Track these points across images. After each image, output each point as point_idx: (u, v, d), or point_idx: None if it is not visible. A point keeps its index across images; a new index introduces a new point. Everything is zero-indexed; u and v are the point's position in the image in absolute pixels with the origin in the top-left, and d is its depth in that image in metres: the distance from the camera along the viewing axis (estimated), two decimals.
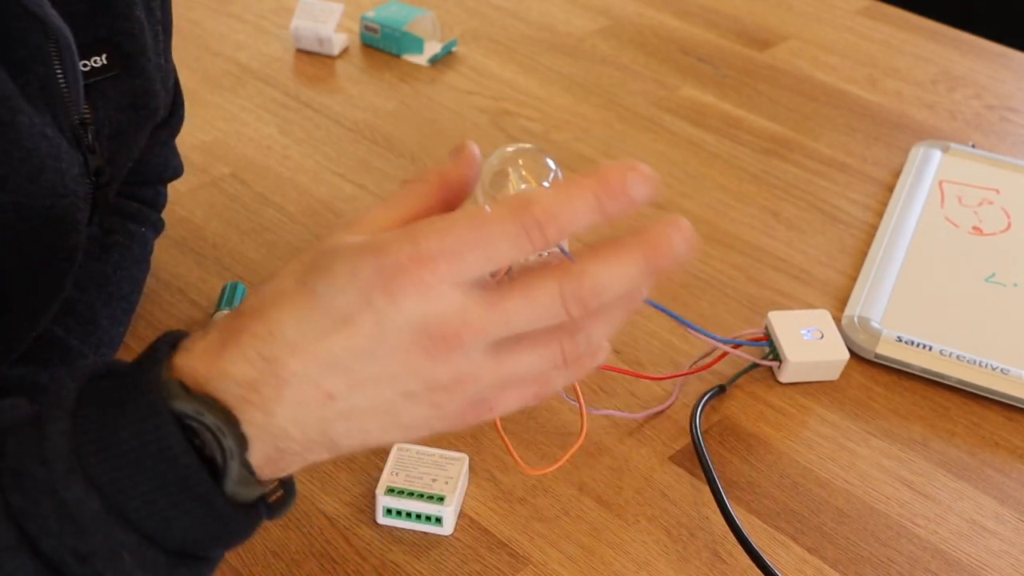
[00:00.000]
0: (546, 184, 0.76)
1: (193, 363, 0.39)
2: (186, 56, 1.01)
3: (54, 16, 0.51)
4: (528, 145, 0.81)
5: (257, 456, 0.39)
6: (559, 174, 0.79)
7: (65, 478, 0.37)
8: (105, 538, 0.38)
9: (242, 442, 0.39)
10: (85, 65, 0.55)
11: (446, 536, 0.59)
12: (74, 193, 0.54)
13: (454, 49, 1.05)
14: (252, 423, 0.39)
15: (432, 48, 1.04)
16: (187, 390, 0.39)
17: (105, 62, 0.57)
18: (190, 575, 0.41)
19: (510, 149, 0.80)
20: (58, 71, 0.53)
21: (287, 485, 0.43)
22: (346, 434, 0.40)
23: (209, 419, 0.38)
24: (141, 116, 0.61)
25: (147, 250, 0.72)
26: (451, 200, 0.43)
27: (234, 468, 0.39)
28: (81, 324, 0.63)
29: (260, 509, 0.41)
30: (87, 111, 0.56)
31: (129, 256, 0.69)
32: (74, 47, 0.52)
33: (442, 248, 0.37)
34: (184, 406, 0.38)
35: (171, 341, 0.40)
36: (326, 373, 0.38)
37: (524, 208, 0.39)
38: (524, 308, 0.38)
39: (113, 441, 0.38)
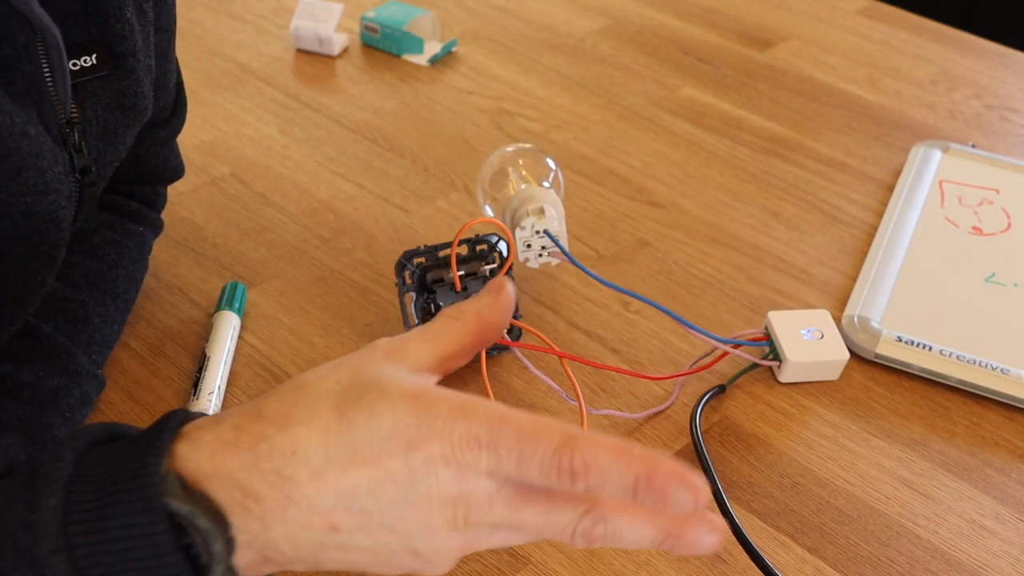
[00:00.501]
0: (546, 184, 0.76)
1: (198, 457, 0.39)
2: (186, 56, 1.01)
3: (42, 15, 0.51)
4: (528, 145, 0.81)
5: (242, 560, 0.39)
6: (559, 174, 0.79)
7: (49, 556, 0.37)
8: None
9: (231, 547, 0.39)
10: (75, 64, 0.56)
11: None
12: (56, 191, 0.54)
13: (454, 49, 1.05)
14: (246, 531, 0.39)
15: (432, 48, 1.04)
16: (184, 487, 0.38)
17: (95, 62, 0.57)
18: None
19: (510, 149, 0.80)
20: (45, 69, 0.52)
21: None
22: (332, 561, 0.40)
23: (202, 523, 0.38)
24: (129, 116, 0.61)
25: (145, 249, 0.72)
26: (486, 338, 0.45)
27: (219, 572, 0.39)
28: (71, 322, 0.63)
29: None
30: (74, 110, 0.56)
31: (125, 255, 0.69)
32: (62, 46, 0.52)
33: (490, 440, 0.38)
34: (179, 507, 0.38)
35: (178, 423, 0.40)
36: (340, 507, 0.39)
37: (570, 447, 0.39)
38: (539, 522, 0.40)
39: (103, 528, 0.38)
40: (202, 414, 0.42)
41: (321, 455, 0.38)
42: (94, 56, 0.57)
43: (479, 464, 0.38)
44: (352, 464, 0.38)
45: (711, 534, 0.41)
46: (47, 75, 0.53)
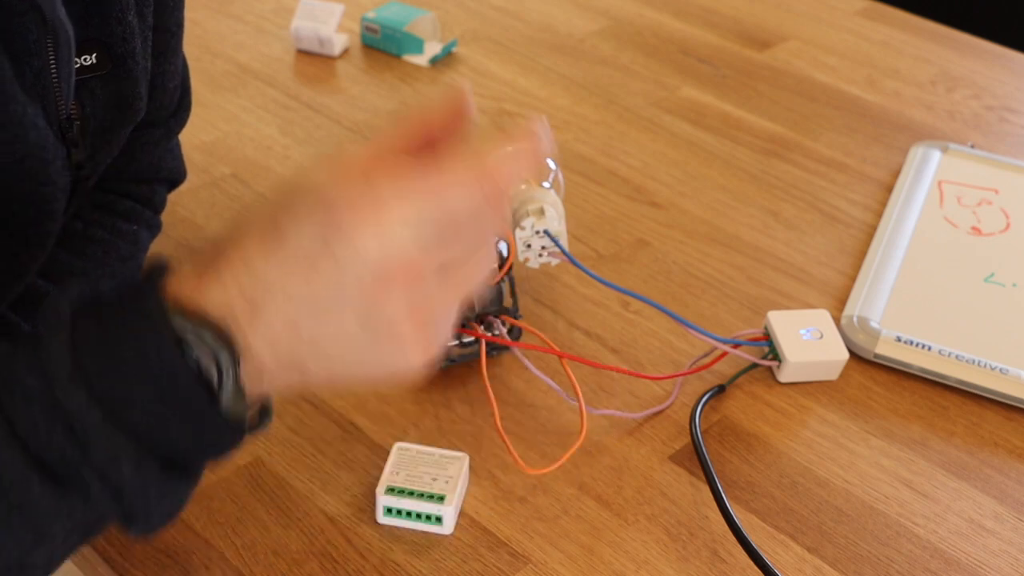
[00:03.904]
0: (546, 184, 0.77)
1: (180, 287, 0.41)
2: (187, 56, 1.01)
3: (61, 13, 0.52)
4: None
5: (244, 374, 0.41)
6: (559, 174, 0.79)
7: (66, 387, 0.39)
8: (104, 447, 0.39)
9: (236, 361, 0.41)
10: (75, 63, 0.56)
11: (446, 536, 0.59)
12: (54, 183, 0.56)
13: (454, 50, 1.06)
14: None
15: (432, 49, 1.04)
16: (182, 310, 0.40)
17: (94, 61, 0.58)
18: (180, 483, 0.42)
19: (509, 149, 0.80)
20: (52, 66, 0.53)
21: (265, 407, 0.45)
22: (312, 359, 0.42)
23: (208, 337, 0.40)
24: (125, 116, 0.62)
25: (138, 248, 0.71)
26: (434, 141, 0.45)
27: (229, 384, 0.41)
28: None
29: (245, 426, 0.43)
30: (74, 107, 0.57)
31: (114, 253, 0.69)
32: (73, 45, 0.53)
33: (394, 191, 0.40)
34: (184, 324, 0.40)
35: (161, 267, 0.42)
36: (290, 305, 0.40)
37: (481, 164, 0.42)
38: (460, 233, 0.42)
39: (116, 354, 0.39)
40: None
41: (262, 261, 0.41)
42: (94, 56, 0.58)
43: (392, 219, 0.40)
44: (287, 265, 0.41)
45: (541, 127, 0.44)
46: (53, 71, 0.53)
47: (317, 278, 0.40)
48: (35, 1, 0.50)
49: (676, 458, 0.65)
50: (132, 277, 0.43)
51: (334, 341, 0.41)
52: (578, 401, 0.62)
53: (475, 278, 0.44)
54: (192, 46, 1.03)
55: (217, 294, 0.41)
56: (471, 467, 0.63)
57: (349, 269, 0.40)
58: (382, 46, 1.05)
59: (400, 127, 0.45)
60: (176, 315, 0.40)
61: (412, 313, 0.41)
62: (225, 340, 0.40)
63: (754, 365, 0.70)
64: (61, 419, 0.39)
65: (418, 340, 0.42)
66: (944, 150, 0.93)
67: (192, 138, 0.89)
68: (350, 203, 0.40)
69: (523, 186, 0.75)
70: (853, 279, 0.79)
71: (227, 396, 0.41)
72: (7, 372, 0.40)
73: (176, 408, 0.40)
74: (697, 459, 0.63)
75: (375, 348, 0.42)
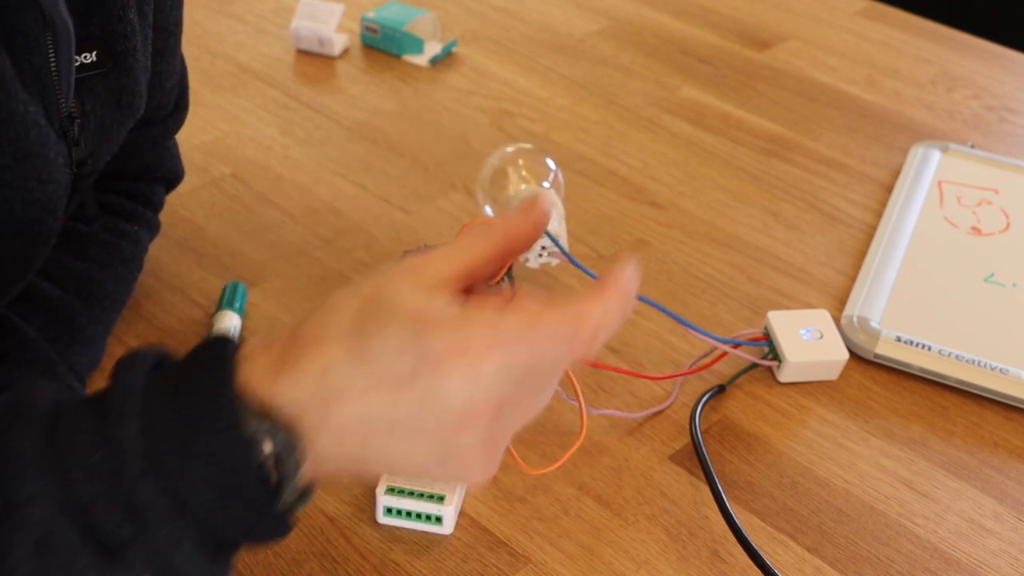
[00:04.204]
0: (546, 184, 0.77)
1: (256, 377, 0.40)
2: (186, 56, 1.01)
3: (63, 9, 0.52)
4: (528, 145, 0.81)
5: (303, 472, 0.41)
6: (559, 174, 0.79)
7: (136, 480, 0.38)
8: (166, 535, 0.39)
9: (301, 462, 0.40)
10: (75, 60, 0.56)
11: (446, 535, 0.59)
12: (56, 181, 0.55)
13: (454, 50, 1.06)
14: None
15: (432, 48, 1.04)
16: (255, 408, 0.40)
17: (95, 59, 0.58)
18: (216, 568, 0.42)
19: (510, 149, 0.80)
20: (52, 63, 0.53)
21: (307, 488, 0.44)
22: (375, 464, 0.42)
23: (280, 438, 0.40)
24: (124, 114, 0.61)
25: (139, 249, 0.72)
26: (513, 250, 0.45)
27: (291, 485, 0.40)
28: (54, 323, 0.63)
29: (291, 516, 0.42)
30: (75, 105, 0.57)
31: (116, 255, 0.69)
32: (73, 42, 0.53)
33: (492, 343, 0.40)
34: (258, 425, 0.39)
35: (232, 349, 0.41)
36: (366, 421, 0.40)
37: (578, 322, 0.41)
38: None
39: (188, 451, 0.39)
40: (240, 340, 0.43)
41: (346, 371, 0.40)
42: (94, 53, 0.57)
43: (487, 366, 0.40)
44: (370, 382, 0.40)
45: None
46: (53, 69, 0.53)
47: (400, 403, 0.40)
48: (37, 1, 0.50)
49: (676, 458, 0.65)
50: (206, 348, 0.42)
51: (402, 456, 0.41)
52: (578, 401, 0.62)
53: (543, 404, 0.45)
54: (192, 46, 1.03)
55: (295, 394, 0.40)
56: None
57: (435, 405, 0.40)
58: (382, 46, 1.05)
59: (481, 240, 0.44)
60: (251, 412, 0.39)
61: (486, 446, 0.42)
62: (294, 441, 0.40)
63: (754, 365, 0.70)
64: (124, 501, 0.39)
65: (486, 464, 0.43)
66: (944, 150, 0.93)
67: (192, 138, 0.89)
68: (445, 341, 0.40)
69: (523, 186, 0.75)
70: (853, 279, 0.79)
71: (289, 494, 0.41)
72: (67, 431, 0.40)
73: (238, 505, 0.40)
74: (697, 459, 0.63)
75: (442, 468, 0.42)
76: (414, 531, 0.59)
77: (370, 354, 0.40)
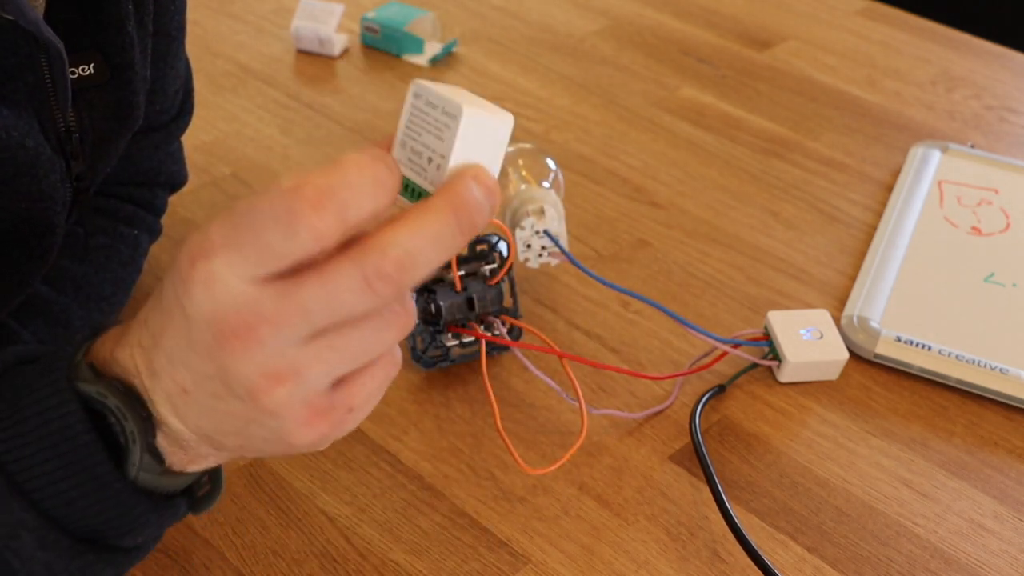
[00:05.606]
0: (546, 184, 0.77)
1: (100, 347, 0.40)
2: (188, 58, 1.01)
3: (48, 33, 0.51)
4: (528, 145, 0.81)
5: (162, 443, 0.39)
6: (559, 174, 0.79)
7: None
8: (5, 516, 0.38)
9: (148, 426, 0.38)
10: (73, 73, 0.56)
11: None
12: (51, 198, 0.55)
13: (454, 49, 1.06)
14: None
15: (432, 48, 1.04)
16: (96, 373, 0.39)
17: (92, 71, 0.57)
18: (99, 562, 0.40)
19: (510, 149, 0.80)
20: (47, 80, 0.53)
21: (215, 479, 0.42)
22: (215, 432, 0.38)
23: (111, 401, 0.38)
24: (123, 125, 0.61)
25: (138, 252, 0.72)
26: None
27: (136, 452, 0.39)
28: (51, 326, 0.63)
29: (179, 501, 0.41)
30: (72, 118, 0.56)
31: (115, 258, 0.69)
32: (65, 59, 0.53)
33: (224, 239, 0.34)
34: (88, 387, 0.38)
35: (86, 335, 0.41)
36: (173, 367, 0.37)
37: (296, 191, 0.34)
38: (322, 297, 0.34)
39: (18, 419, 0.38)
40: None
41: (154, 320, 0.38)
42: (91, 66, 0.57)
43: (221, 268, 0.34)
44: (161, 321, 0.37)
45: (477, 184, 0.36)
46: (49, 85, 0.53)
47: (176, 332, 0.36)
48: (17, 22, 0.49)
49: (676, 458, 0.65)
50: (69, 339, 0.40)
51: (214, 414, 0.37)
52: (578, 401, 0.62)
53: (375, 352, 0.37)
54: (192, 46, 1.03)
55: (124, 356, 0.38)
56: (471, 465, 0.63)
57: (193, 323, 0.35)
58: (382, 46, 1.05)
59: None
60: (86, 379, 0.38)
61: (268, 376, 0.35)
62: (132, 405, 0.38)
63: (754, 365, 0.70)
64: None
65: (295, 413, 0.36)
66: (944, 150, 0.93)
67: (192, 138, 0.89)
68: (188, 251, 0.35)
69: (523, 186, 0.75)
70: (853, 279, 0.79)
71: (136, 467, 0.39)
72: None
73: (77, 477, 0.38)
74: (697, 459, 0.63)
75: (255, 420, 0.37)
76: (414, 531, 0.59)
77: (161, 289, 0.37)
